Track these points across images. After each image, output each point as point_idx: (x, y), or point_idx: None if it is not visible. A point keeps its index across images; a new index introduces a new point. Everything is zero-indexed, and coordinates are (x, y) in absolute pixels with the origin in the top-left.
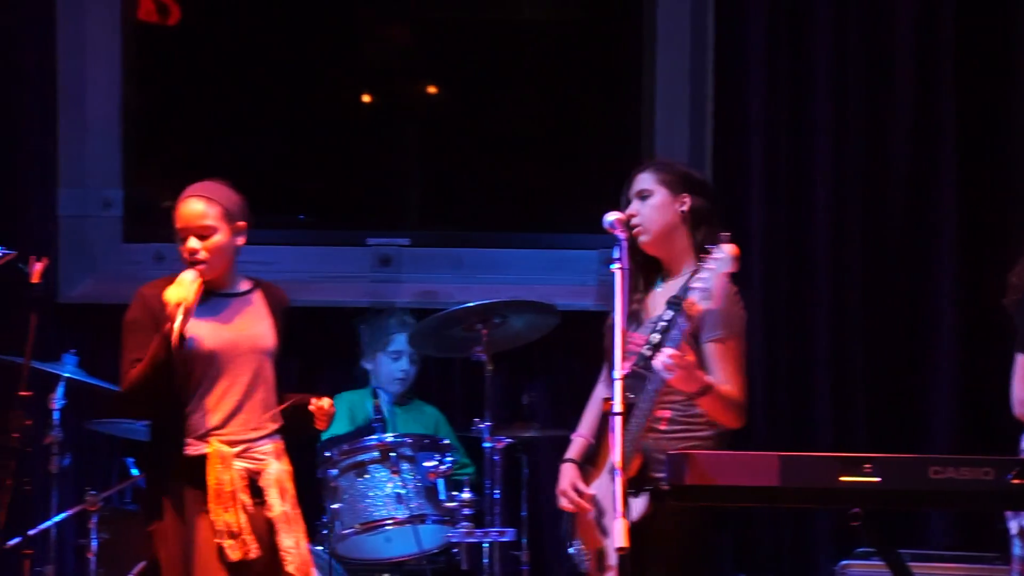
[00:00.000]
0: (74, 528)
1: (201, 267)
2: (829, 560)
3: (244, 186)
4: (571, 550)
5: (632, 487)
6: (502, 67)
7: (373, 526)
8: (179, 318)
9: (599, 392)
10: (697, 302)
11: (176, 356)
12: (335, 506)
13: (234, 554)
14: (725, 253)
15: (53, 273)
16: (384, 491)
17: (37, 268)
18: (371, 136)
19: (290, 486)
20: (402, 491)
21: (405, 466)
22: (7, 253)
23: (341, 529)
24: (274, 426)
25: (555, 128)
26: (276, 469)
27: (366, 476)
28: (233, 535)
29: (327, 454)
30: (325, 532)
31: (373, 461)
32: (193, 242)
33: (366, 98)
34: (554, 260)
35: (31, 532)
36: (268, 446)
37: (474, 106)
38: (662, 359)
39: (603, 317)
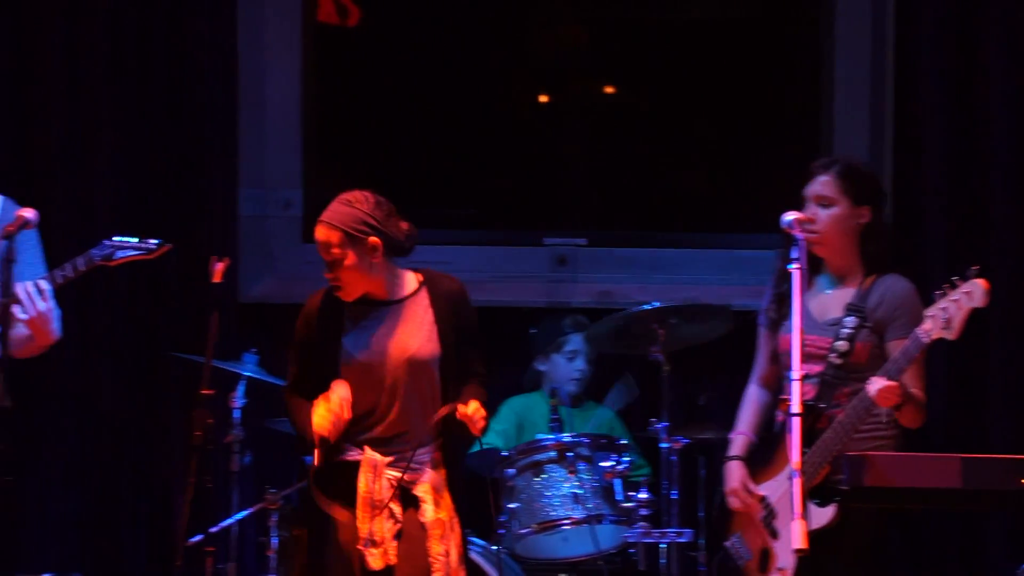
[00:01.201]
0: (255, 526)
1: (341, 292)
2: (1007, 562)
3: (421, 186)
4: (728, 544)
5: (817, 495)
6: (679, 66)
7: (550, 526)
8: (320, 449)
9: (753, 390)
10: (935, 330)
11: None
12: (512, 505)
13: (375, 563)
14: (978, 288)
15: (234, 273)
16: (561, 491)
17: (218, 268)
18: (548, 136)
19: (446, 494)
20: (579, 491)
21: (582, 466)
22: (163, 245)
23: (518, 528)
24: (431, 434)
25: (731, 127)
26: (431, 477)
27: (543, 476)
28: (376, 543)
29: (504, 453)
30: (502, 532)
31: (550, 461)
32: (327, 269)
33: (543, 98)
34: (730, 260)
35: (213, 529)
36: (425, 455)
37: (651, 106)
38: (878, 388)
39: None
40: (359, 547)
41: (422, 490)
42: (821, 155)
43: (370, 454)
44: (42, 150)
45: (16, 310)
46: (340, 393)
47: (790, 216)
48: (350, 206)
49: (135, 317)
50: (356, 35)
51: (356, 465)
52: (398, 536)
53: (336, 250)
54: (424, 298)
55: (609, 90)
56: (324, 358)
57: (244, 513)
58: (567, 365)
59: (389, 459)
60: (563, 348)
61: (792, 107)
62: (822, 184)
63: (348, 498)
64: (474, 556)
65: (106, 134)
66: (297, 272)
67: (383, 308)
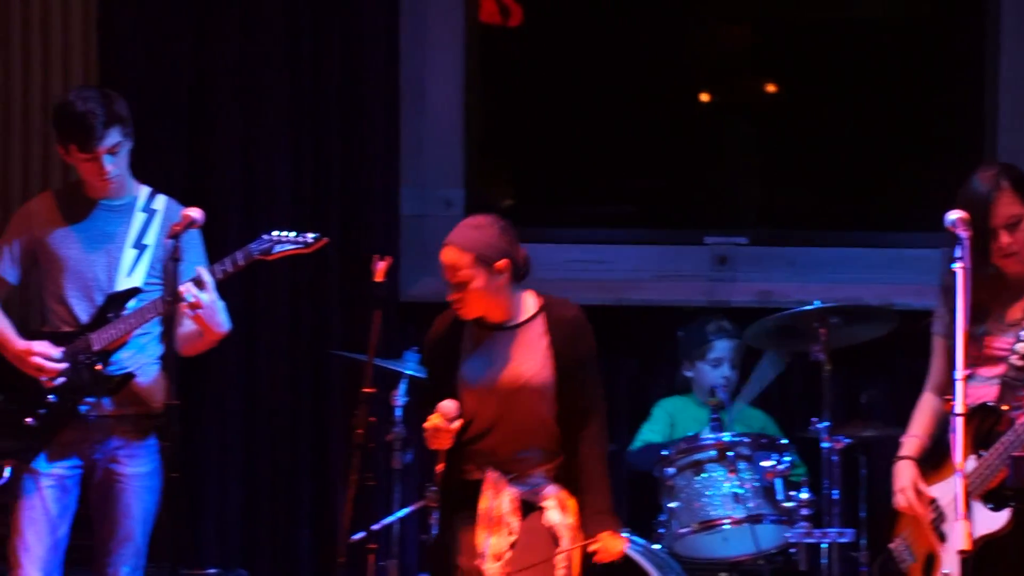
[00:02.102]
0: (416, 523)
1: (462, 312)
2: None
3: (581, 185)
4: (892, 545)
5: (992, 500)
6: (840, 65)
7: (710, 525)
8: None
9: (927, 397)
10: None
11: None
12: (672, 505)
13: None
14: None
15: (395, 272)
16: (721, 490)
17: (380, 267)
18: (709, 134)
19: (572, 503)
20: (739, 490)
21: (742, 465)
22: (320, 239)
23: (678, 528)
24: (553, 450)
25: (893, 126)
26: (554, 490)
27: (703, 475)
28: (496, 558)
29: (664, 452)
30: (662, 531)
31: (710, 460)
32: (451, 290)
33: (704, 96)
34: (892, 258)
35: (375, 527)
36: (543, 472)
37: (812, 104)
38: None
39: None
40: (476, 563)
41: (544, 501)
42: (986, 153)
43: (491, 473)
44: (212, 149)
45: (182, 306)
46: (444, 407)
47: (953, 215)
48: (479, 230)
49: (298, 316)
50: (518, 35)
51: (479, 484)
52: (515, 546)
53: (464, 272)
54: (541, 324)
55: (771, 88)
56: (445, 380)
57: (406, 511)
58: (712, 372)
59: (509, 477)
60: (708, 355)
61: (955, 105)
62: (1006, 204)
63: (470, 515)
64: (634, 555)
65: (276, 133)
66: None
67: (500, 332)
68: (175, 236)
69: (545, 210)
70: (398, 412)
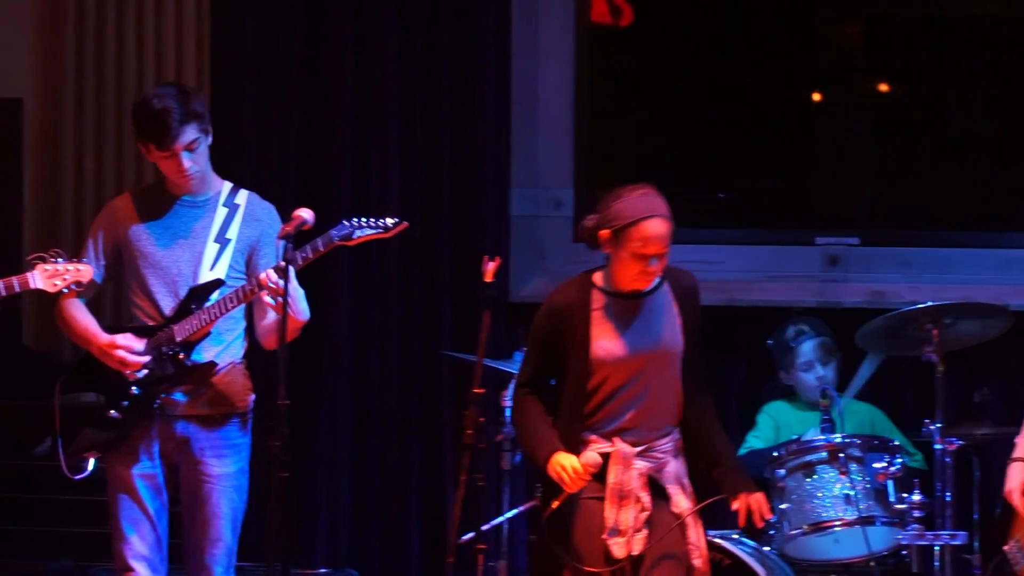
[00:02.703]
0: (525, 524)
1: (651, 281)
2: None
3: (692, 185)
4: (1007, 548)
5: None
6: (955, 64)
7: (821, 527)
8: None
9: None
10: None
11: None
12: (783, 506)
13: (619, 551)
14: None
15: (505, 272)
16: (832, 492)
17: (490, 267)
18: (822, 134)
19: (687, 482)
20: (851, 492)
21: (854, 467)
22: (400, 223)
23: (789, 530)
24: (674, 424)
25: (1008, 124)
26: (674, 467)
27: (814, 477)
28: (621, 533)
29: (775, 453)
30: (772, 532)
31: (821, 462)
32: (655, 263)
33: (816, 96)
34: (1007, 259)
35: (484, 527)
36: (668, 444)
37: (926, 104)
38: None
39: None
40: (604, 537)
41: (667, 479)
42: None
43: (620, 446)
44: (324, 150)
45: (263, 295)
46: (591, 458)
47: None
48: (664, 199)
49: (409, 316)
50: (628, 35)
51: (606, 457)
52: (646, 525)
53: (668, 245)
54: (668, 291)
55: (884, 87)
56: (573, 352)
57: (515, 511)
58: (806, 376)
59: (638, 450)
60: (796, 361)
61: None
62: None
63: (597, 489)
64: (745, 557)
65: (387, 134)
66: (568, 271)
67: (631, 301)
68: (286, 237)
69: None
70: (507, 412)
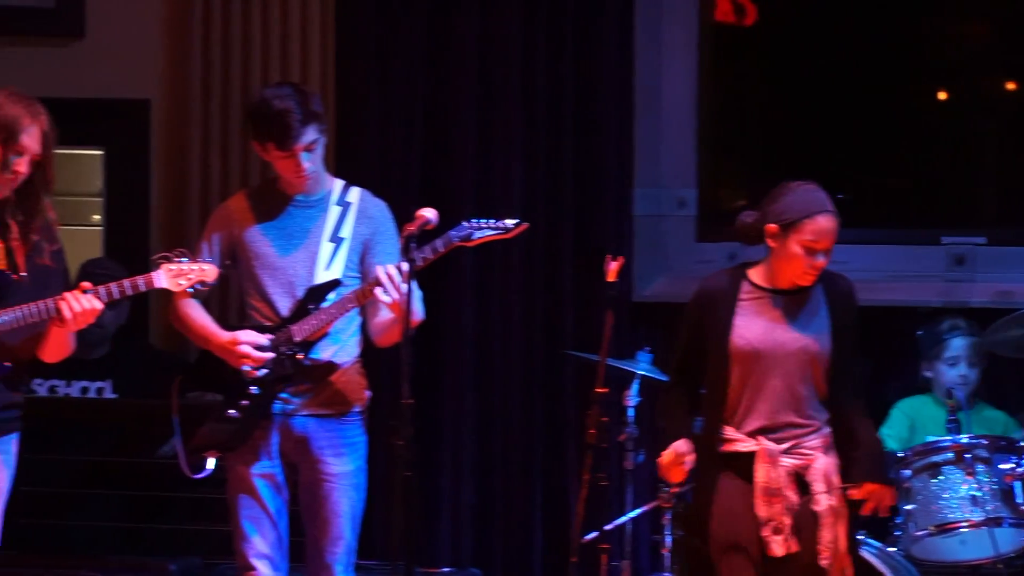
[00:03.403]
0: (649, 524)
1: (815, 277)
2: None
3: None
4: None
5: None
6: None
7: (947, 528)
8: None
9: None
10: None
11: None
12: (908, 507)
13: (778, 549)
14: None
15: (628, 272)
16: (959, 493)
17: (613, 267)
18: (947, 133)
19: (836, 480)
20: (977, 493)
21: (980, 468)
22: (520, 224)
23: (914, 531)
24: (822, 422)
25: None
26: (823, 463)
27: (940, 477)
28: (778, 531)
29: (900, 454)
30: (898, 533)
31: (947, 463)
32: (821, 258)
33: (942, 95)
34: None
35: (607, 527)
36: (815, 441)
37: None
38: None
39: None
40: (762, 534)
41: (814, 477)
42: None
43: (765, 444)
44: (447, 150)
45: (378, 292)
46: (679, 447)
47: None
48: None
49: (531, 316)
50: (752, 34)
51: (751, 456)
52: (794, 523)
53: (834, 239)
54: (821, 293)
55: (1011, 86)
56: (714, 340)
57: (638, 511)
58: (950, 371)
59: (783, 447)
60: (943, 354)
61: None
62: None
63: (743, 488)
64: (870, 558)
65: (510, 134)
66: (691, 271)
67: (781, 297)
68: (409, 236)
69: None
70: (631, 412)
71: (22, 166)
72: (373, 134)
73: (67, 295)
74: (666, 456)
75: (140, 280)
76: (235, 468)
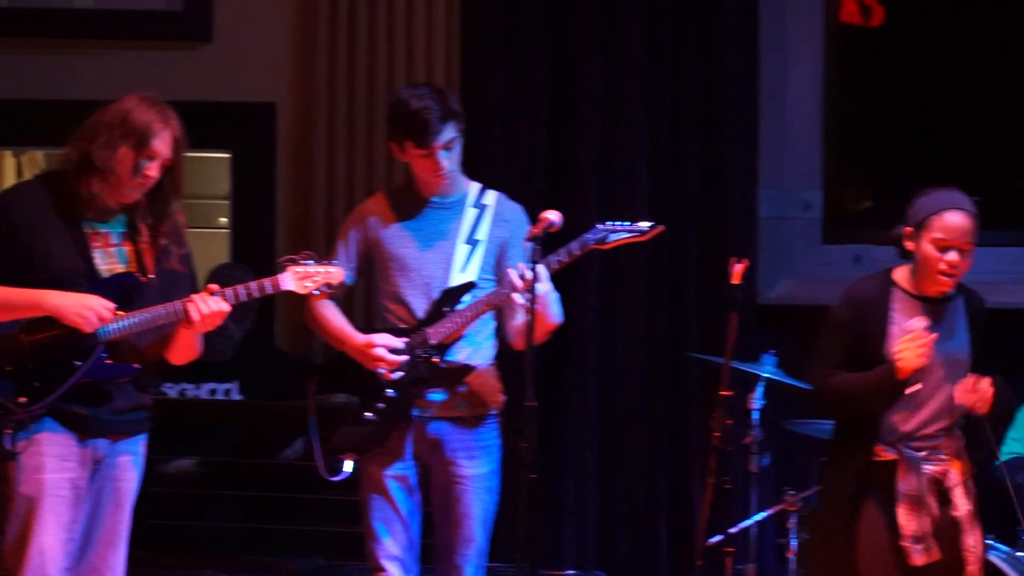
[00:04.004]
0: (774, 527)
1: (952, 281)
2: None
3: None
4: None
5: None
6: None
7: None
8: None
9: None
10: None
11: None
12: None
13: (919, 558)
14: None
15: (753, 274)
16: None
17: (738, 269)
18: None
19: (971, 484)
20: None
21: None
22: (655, 227)
23: None
24: (954, 427)
25: None
26: (959, 469)
27: None
28: (920, 539)
29: None
30: None
31: None
32: (953, 255)
33: None
34: None
35: (732, 530)
36: (952, 447)
37: None
38: None
39: None
40: (903, 544)
41: (952, 482)
42: None
43: (906, 452)
44: (571, 152)
45: (515, 295)
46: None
47: None
48: (970, 199)
49: (655, 318)
50: (879, 35)
51: (891, 464)
52: (936, 532)
53: (971, 240)
54: (962, 305)
55: None
56: (868, 348)
57: (763, 514)
58: None
59: (923, 454)
60: None
61: None
62: None
63: (883, 496)
64: (998, 562)
65: (635, 136)
66: (816, 274)
67: (934, 306)
68: (533, 239)
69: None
70: (755, 415)
71: (153, 171)
72: (497, 137)
73: (195, 297)
74: (903, 344)
75: (267, 282)
76: (368, 469)
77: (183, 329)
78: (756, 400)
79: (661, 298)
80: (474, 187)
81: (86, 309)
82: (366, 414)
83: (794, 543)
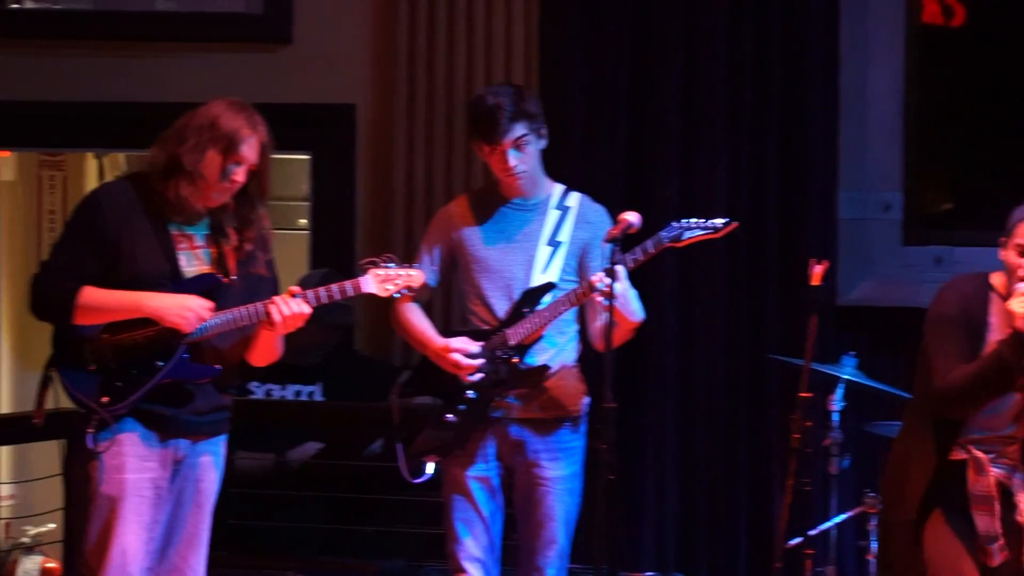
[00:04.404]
0: (853, 530)
1: None
2: None
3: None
4: None
5: None
6: None
7: None
8: None
9: None
10: None
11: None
12: None
13: (995, 558)
14: None
15: (833, 276)
16: None
17: (817, 271)
18: None
19: None
20: None
21: None
22: (729, 223)
23: None
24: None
25: None
26: (1021, 478)
27: None
28: (993, 539)
29: None
30: None
31: None
32: None
33: None
34: None
35: (811, 532)
36: (1016, 452)
37: None
38: None
39: None
40: (978, 544)
41: (1017, 488)
42: None
43: (976, 453)
44: (651, 153)
45: (596, 298)
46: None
47: None
48: None
49: (735, 320)
50: (960, 35)
51: (963, 465)
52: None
53: None
54: None
55: None
56: (969, 353)
57: (843, 516)
58: None
59: (991, 456)
60: None
61: None
62: None
63: (956, 497)
64: None
65: (715, 137)
66: (896, 276)
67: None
68: (612, 240)
69: (987, 214)
70: (835, 417)
71: (240, 175)
72: (576, 137)
73: (276, 299)
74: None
75: (348, 285)
76: (451, 470)
77: (264, 331)
78: (836, 402)
79: (741, 300)
80: (557, 189)
81: (186, 310)
82: (447, 416)
83: (874, 545)
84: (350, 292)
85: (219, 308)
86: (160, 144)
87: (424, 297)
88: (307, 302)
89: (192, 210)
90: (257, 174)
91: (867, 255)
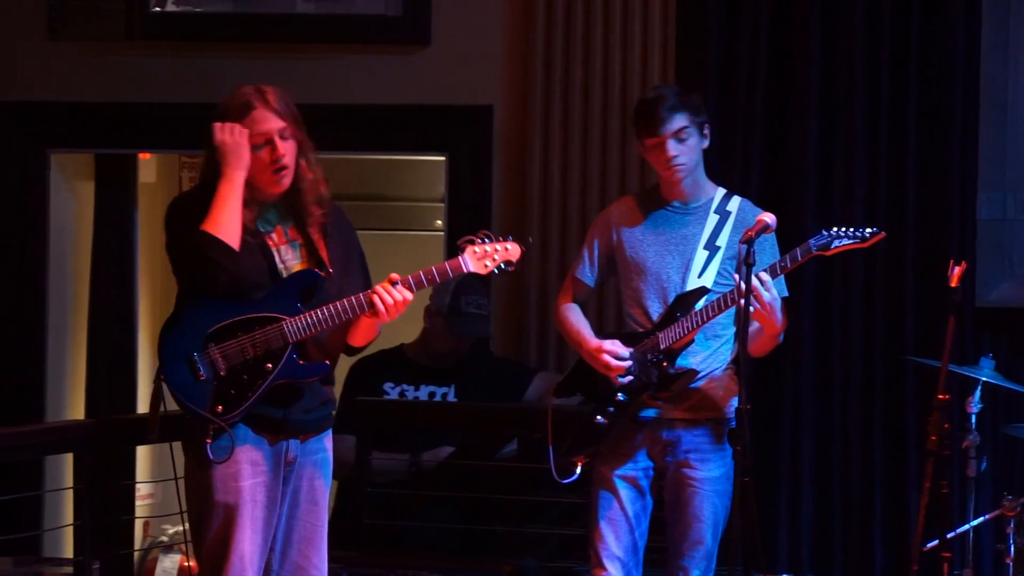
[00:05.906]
0: (992, 532)
1: None
2: None
3: None
4: None
5: None
6: None
7: None
8: None
9: None
10: None
11: None
12: None
13: None
14: None
15: (971, 277)
16: None
17: (956, 272)
18: None
19: None
20: None
21: None
22: (877, 233)
23: None
24: None
25: None
26: None
27: None
28: None
29: None
30: None
31: None
32: None
33: None
34: None
35: (949, 535)
36: None
37: None
38: None
39: None
40: None
41: None
42: None
43: None
44: (789, 154)
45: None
46: None
47: None
48: None
49: (872, 321)
50: None
51: None
52: None
53: None
54: None
55: None
56: None
57: (981, 519)
58: None
59: None
60: None
61: None
62: None
63: None
64: None
65: (853, 138)
66: None
67: None
68: (748, 241)
69: None
70: (973, 419)
71: (275, 152)
72: (713, 138)
73: (379, 288)
74: None
75: (447, 265)
76: (599, 469)
77: (367, 318)
78: (974, 404)
79: (878, 301)
80: (719, 193)
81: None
82: (597, 418)
83: (1012, 548)
84: (450, 273)
85: (319, 299)
86: (205, 154)
87: (583, 296)
88: (409, 288)
89: (264, 202)
90: (300, 143)
91: (1006, 256)
